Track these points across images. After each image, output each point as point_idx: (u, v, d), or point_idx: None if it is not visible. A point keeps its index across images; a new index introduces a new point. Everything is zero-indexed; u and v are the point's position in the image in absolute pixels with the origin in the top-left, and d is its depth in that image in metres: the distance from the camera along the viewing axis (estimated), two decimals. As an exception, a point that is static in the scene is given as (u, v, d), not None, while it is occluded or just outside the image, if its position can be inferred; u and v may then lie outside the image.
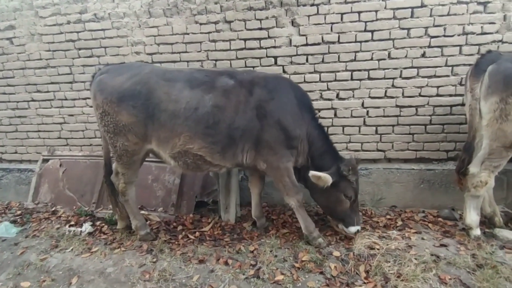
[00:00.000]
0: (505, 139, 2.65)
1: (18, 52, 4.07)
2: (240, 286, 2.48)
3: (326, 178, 2.70)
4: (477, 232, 2.91)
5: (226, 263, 2.74)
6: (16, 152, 4.45)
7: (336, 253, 2.79)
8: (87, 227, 3.42)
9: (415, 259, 2.61)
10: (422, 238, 3.00)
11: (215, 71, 3.03)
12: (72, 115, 4.18)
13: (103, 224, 3.54)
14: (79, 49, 3.96)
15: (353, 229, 2.92)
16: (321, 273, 2.57)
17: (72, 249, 3.03)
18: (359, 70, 3.49)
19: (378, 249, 2.77)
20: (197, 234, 3.24)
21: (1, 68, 4.15)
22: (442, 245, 2.86)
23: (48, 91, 4.15)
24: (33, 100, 4.22)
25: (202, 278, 2.57)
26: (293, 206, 2.95)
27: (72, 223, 3.60)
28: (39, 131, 4.31)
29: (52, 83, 4.12)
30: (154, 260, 2.82)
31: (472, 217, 2.90)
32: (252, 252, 2.89)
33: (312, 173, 2.70)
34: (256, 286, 2.47)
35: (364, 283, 2.44)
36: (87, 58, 3.97)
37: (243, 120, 2.74)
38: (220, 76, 2.82)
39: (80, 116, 4.16)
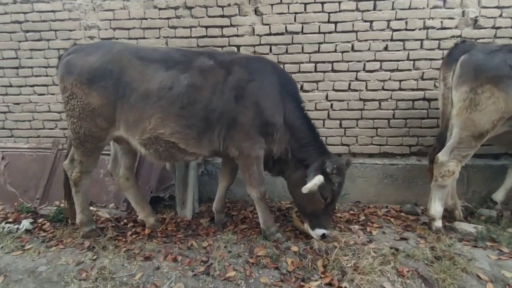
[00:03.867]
0: (474, 129, 2.64)
1: (-43, 33, 3.70)
2: (188, 283, 2.26)
3: (319, 180, 2.43)
4: (439, 224, 2.87)
5: (174, 260, 2.51)
6: (-48, 144, 4.01)
7: (294, 248, 2.64)
8: (25, 223, 3.08)
9: (374, 252, 2.51)
10: (383, 232, 2.92)
11: (194, 51, 2.86)
12: (17, 104, 3.83)
13: (45, 222, 3.21)
14: (27, 31, 3.65)
15: (319, 231, 2.64)
16: (277, 268, 2.41)
17: (2, 247, 2.69)
18: (323, 62, 3.43)
19: (337, 244, 2.65)
20: (148, 230, 2.99)
21: None
22: (402, 239, 2.79)
23: (-10, 77, 3.79)
24: (-27, 86, 3.84)
25: (146, 276, 2.34)
26: (254, 198, 2.76)
27: (10, 220, 3.24)
28: (-21, 120, 3.92)
29: (-5, 68, 3.77)
30: (94, 257, 2.54)
31: (436, 208, 2.85)
32: (205, 248, 2.67)
33: (304, 188, 2.41)
34: (205, 283, 2.27)
35: (321, 277, 2.30)
36: (35, 42, 3.66)
37: (220, 101, 2.53)
38: (199, 56, 2.63)
39: (27, 104, 3.82)
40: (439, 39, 3.27)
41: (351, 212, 3.37)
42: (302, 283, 2.25)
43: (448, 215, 3.11)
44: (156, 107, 2.45)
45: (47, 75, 3.72)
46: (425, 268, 2.37)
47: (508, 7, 3.17)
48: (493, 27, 3.22)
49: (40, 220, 3.25)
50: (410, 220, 3.16)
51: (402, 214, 3.30)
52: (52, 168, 3.68)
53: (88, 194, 3.05)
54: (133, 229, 3.04)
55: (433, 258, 2.44)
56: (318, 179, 2.47)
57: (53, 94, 3.76)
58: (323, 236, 2.65)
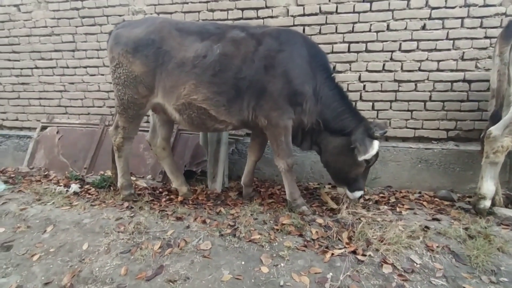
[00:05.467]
0: None
1: (25, 19, 4.20)
2: (215, 242, 2.38)
3: (377, 145, 2.53)
4: (488, 203, 2.70)
5: (203, 222, 2.65)
6: (17, 119, 4.55)
7: (320, 220, 2.65)
8: (73, 187, 3.41)
9: (403, 228, 2.45)
10: (414, 213, 2.83)
11: (228, 24, 3.01)
12: (72, 83, 4.25)
13: (91, 187, 3.52)
14: (83, 17, 4.05)
15: (358, 193, 2.78)
16: (301, 235, 2.46)
17: (53, 203, 3.02)
18: (357, 42, 3.40)
19: (364, 219, 2.62)
20: (180, 198, 3.17)
21: (7, 35, 4.29)
22: (434, 219, 2.69)
23: (51, 59, 4.25)
24: (36, 68, 4.32)
25: (177, 233, 2.50)
26: (281, 169, 2.83)
27: (61, 184, 3.60)
28: (40, 98, 4.40)
29: (55, 50, 4.22)
30: (132, 215, 2.77)
31: (488, 186, 2.68)
32: (232, 214, 2.79)
33: (366, 155, 2.51)
34: (230, 243, 2.37)
35: (345, 247, 2.30)
36: (89, 27, 4.06)
37: (250, 69, 2.64)
38: (232, 29, 2.77)
39: (80, 84, 4.23)
40: (482, 17, 3.11)
41: (381, 195, 3.29)
42: (326, 249, 2.27)
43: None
44: (190, 74, 2.62)
45: (98, 57, 4.10)
46: (457, 245, 2.28)
47: None
48: (544, 4, 3.00)
49: (87, 186, 3.58)
50: (444, 205, 3.02)
51: (436, 199, 3.17)
52: (99, 142, 4.03)
53: (129, 165, 3.31)
54: (167, 196, 3.24)
55: (466, 237, 2.34)
56: (377, 144, 2.54)
57: (102, 75, 4.12)
58: (361, 197, 2.83)
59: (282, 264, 2.15)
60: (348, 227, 2.54)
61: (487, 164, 2.68)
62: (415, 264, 2.11)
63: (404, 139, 3.48)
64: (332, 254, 2.20)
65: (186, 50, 2.65)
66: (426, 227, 2.48)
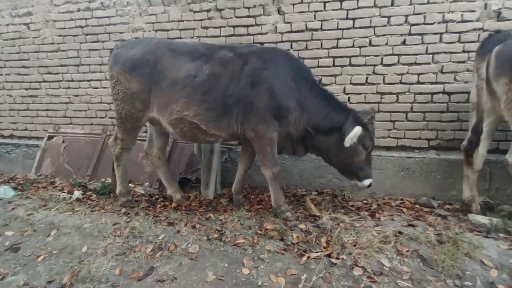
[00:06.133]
0: None
1: (34, 37, 4.52)
2: (202, 245, 2.59)
3: (358, 130, 2.73)
4: None
5: (193, 227, 2.86)
6: (26, 129, 4.85)
7: (302, 226, 2.83)
8: (76, 193, 3.66)
9: (377, 233, 2.61)
10: (392, 219, 2.99)
11: (218, 45, 3.25)
12: (77, 96, 4.53)
13: (92, 194, 3.77)
14: (87, 34, 4.34)
15: (367, 181, 2.97)
16: (282, 240, 2.64)
17: (57, 208, 3.26)
18: (341, 57, 3.60)
19: (343, 224, 2.80)
20: (174, 204, 3.39)
21: (18, 51, 4.61)
22: (410, 225, 2.84)
23: (57, 73, 4.55)
24: (44, 81, 4.62)
25: (168, 237, 2.71)
26: (267, 177, 3.03)
27: (65, 191, 3.85)
28: (47, 110, 4.69)
29: (61, 65, 4.51)
30: (128, 220, 3.00)
31: None
32: (220, 220, 2.99)
33: (347, 141, 2.75)
34: (216, 246, 2.58)
35: (322, 250, 2.48)
36: (93, 43, 4.34)
37: (237, 87, 2.85)
38: (221, 49, 3.00)
39: (84, 96, 4.51)
40: (460, 32, 3.27)
41: (365, 201, 3.46)
42: (303, 253, 2.45)
43: (465, 206, 3.08)
44: (182, 92, 2.85)
45: (101, 72, 4.37)
46: (426, 250, 2.43)
47: (536, -2, 3.09)
48: (518, 19, 3.16)
49: (89, 192, 3.83)
50: (423, 212, 3.18)
51: (416, 206, 3.32)
52: (101, 151, 4.29)
53: (128, 173, 3.55)
54: (162, 203, 3.46)
55: (436, 242, 2.49)
56: (358, 129, 2.75)
57: (105, 87, 4.39)
58: (370, 185, 3.01)
59: (262, 266, 2.34)
60: (327, 232, 2.71)
61: None
62: (384, 267, 2.28)
63: (388, 148, 3.65)
64: (308, 257, 2.39)
65: (178, 70, 2.88)
66: (399, 232, 2.64)
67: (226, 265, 2.38)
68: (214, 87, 2.84)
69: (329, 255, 2.40)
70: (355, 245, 2.44)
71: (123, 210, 3.21)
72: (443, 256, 2.29)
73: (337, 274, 2.22)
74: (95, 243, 2.69)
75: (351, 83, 3.62)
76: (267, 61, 2.90)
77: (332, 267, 2.28)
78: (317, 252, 2.45)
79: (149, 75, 2.92)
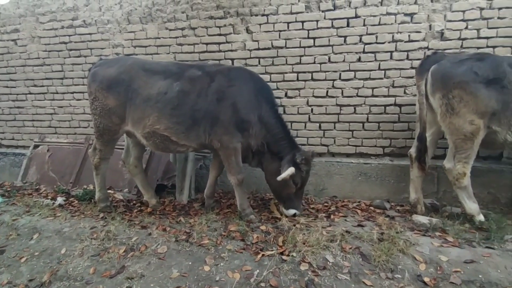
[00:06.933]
0: (458, 132, 2.90)
1: (21, 52, 4.78)
2: (170, 246, 2.87)
3: (291, 171, 3.05)
4: (480, 217, 3.01)
5: (164, 230, 3.14)
6: (13, 139, 5.09)
7: (263, 227, 3.13)
8: (59, 200, 3.91)
9: (327, 232, 2.93)
10: (345, 220, 3.31)
11: (188, 64, 3.54)
12: (61, 107, 4.80)
13: (75, 200, 4.02)
14: (70, 50, 4.62)
15: (291, 211, 3.27)
16: (242, 240, 2.93)
17: (40, 214, 3.52)
18: (304, 72, 3.93)
19: (299, 225, 3.10)
20: (150, 209, 3.67)
21: (6, 65, 4.87)
22: (359, 225, 3.16)
23: (43, 86, 4.81)
24: (30, 93, 4.89)
25: (140, 239, 2.98)
26: (233, 184, 3.33)
27: (49, 197, 4.11)
28: (33, 120, 4.95)
29: (46, 78, 4.78)
30: (105, 224, 3.26)
31: (470, 206, 3.04)
32: (190, 223, 3.28)
33: (279, 177, 3.06)
34: (183, 247, 2.86)
35: (277, 249, 2.78)
36: (76, 58, 4.62)
37: (204, 102, 3.16)
38: (190, 68, 3.32)
39: (67, 108, 4.77)
40: (408, 51, 3.63)
41: (325, 204, 3.78)
42: (259, 251, 2.75)
43: (411, 208, 3.41)
44: (154, 108, 3.15)
45: (83, 84, 4.63)
46: (368, 247, 2.74)
47: (473, 19, 3.46)
48: (459, 39, 3.52)
49: (71, 198, 4.08)
50: (376, 213, 3.50)
51: (370, 208, 3.64)
52: (84, 159, 4.55)
53: (108, 180, 3.82)
54: (139, 208, 3.74)
55: (377, 240, 2.81)
56: (291, 170, 3.07)
57: (87, 99, 4.60)
58: (295, 215, 3.26)
59: (221, 264, 2.63)
60: (284, 232, 3.02)
61: (457, 190, 3.04)
62: (328, 263, 2.58)
63: (348, 155, 3.98)
64: (263, 255, 2.68)
65: (151, 87, 3.18)
66: (347, 231, 2.96)
67: (190, 263, 2.66)
68: (183, 102, 3.14)
69: (282, 253, 2.69)
70: (304, 243, 2.75)
71: (101, 215, 3.48)
72: (379, 252, 2.61)
73: (286, 269, 2.52)
74: (73, 245, 2.95)
75: (313, 96, 3.95)
76: (232, 79, 3.22)
77: (282, 263, 2.57)
78: (272, 251, 2.74)
79: (124, 93, 3.21)
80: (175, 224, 3.27)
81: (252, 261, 2.64)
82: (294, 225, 3.11)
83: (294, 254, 2.66)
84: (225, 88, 3.18)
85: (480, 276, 2.36)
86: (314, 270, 2.50)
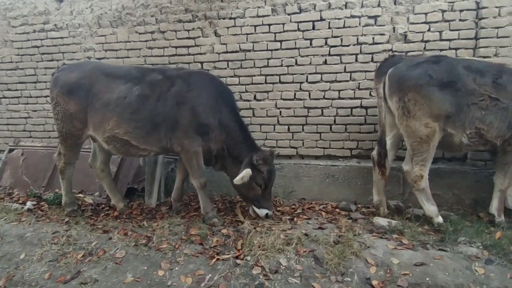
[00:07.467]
0: (414, 134, 2.91)
1: (-7, 56, 4.79)
2: (128, 251, 2.88)
3: (247, 173, 3.06)
4: (439, 219, 3.02)
5: (125, 234, 3.15)
6: (-12, 143, 5.10)
7: (224, 231, 3.14)
8: (28, 204, 3.92)
9: (285, 235, 2.94)
10: (308, 223, 3.32)
11: (150, 68, 3.55)
12: (35, 111, 4.81)
13: (45, 204, 4.04)
14: (43, 54, 4.63)
15: (263, 211, 3.27)
16: (201, 244, 2.94)
17: (5, 219, 3.52)
18: (272, 75, 3.95)
19: (259, 228, 3.12)
20: (117, 213, 3.68)
21: (-21, 69, 4.87)
22: (320, 228, 3.17)
23: (16, 90, 4.82)
24: (4, 97, 4.89)
25: (100, 244, 3.00)
26: (196, 187, 3.34)
27: (20, 201, 4.12)
28: (8, 124, 4.96)
29: (20, 82, 4.79)
30: (67, 229, 3.27)
31: (429, 208, 3.04)
32: (152, 227, 3.29)
33: (235, 180, 3.07)
34: (141, 251, 2.87)
35: (235, 253, 2.79)
36: (48, 62, 4.63)
37: (164, 106, 3.17)
38: (152, 72, 3.33)
39: (41, 111, 4.78)
40: (372, 53, 3.65)
41: (292, 206, 3.79)
42: (216, 256, 2.76)
43: (375, 210, 3.43)
44: (113, 112, 3.16)
45: (56, 88, 4.64)
46: (322, 251, 2.75)
47: (436, 22, 3.47)
48: (422, 41, 3.53)
49: (42, 202, 4.10)
50: (340, 215, 3.51)
51: (336, 210, 3.66)
52: (57, 163, 4.55)
53: (79, 183, 3.84)
54: (106, 211, 3.75)
55: (332, 243, 2.82)
56: (246, 172, 3.07)
57: (61, 103, 4.66)
58: (267, 216, 3.27)
59: (176, 268, 2.64)
60: (245, 236, 3.03)
61: (416, 192, 3.04)
62: (281, 266, 2.59)
63: (317, 157, 3.99)
64: (218, 259, 2.69)
65: (111, 92, 3.19)
66: (305, 234, 2.97)
67: (146, 268, 2.67)
68: (143, 106, 3.15)
69: (237, 257, 2.71)
70: (260, 247, 2.76)
71: (66, 219, 3.49)
72: (332, 256, 2.62)
73: (238, 273, 2.53)
74: (33, 250, 2.96)
75: (281, 99, 3.96)
76: (192, 84, 3.23)
77: (236, 267, 2.59)
78: (228, 254, 2.76)
79: (85, 97, 3.22)
80: (138, 228, 3.28)
81: (206, 265, 2.66)
82: (255, 228, 3.13)
83: (249, 258, 2.67)
84: (184, 93, 3.20)
85: (427, 279, 2.38)
86: (266, 274, 2.51)
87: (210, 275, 2.54)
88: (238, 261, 2.65)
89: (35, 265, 2.78)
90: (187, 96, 3.19)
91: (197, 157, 3.25)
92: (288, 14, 3.78)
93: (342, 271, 2.52)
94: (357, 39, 3.66)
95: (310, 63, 3.81)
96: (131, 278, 2.56)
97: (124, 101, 3.15)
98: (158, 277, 2.56)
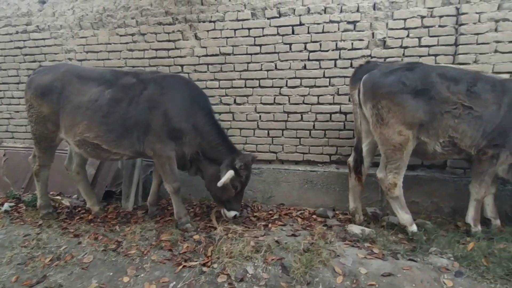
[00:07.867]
0: (388, 142, 2.87)
1: (-24, 57, 4.77)
2: (96, 256, 2.86)
3: (230, 175, 3.06)
4: (413, 228, 2.97)
5: (96, 238, 3.13)
6: (-29, 143, 5.08)
7: (196, 237, 3.12)
8: (5, 206, 3.90)
9: (255, 242, 2.91)
10: (282, 229, 3.28)
11: (124, 71, 3.52)
12: (17, 112, 4.79)
13: (23, 206, 4.02)
14: (25, 55, 4.61)
15: (232, 213, 3.29)
16: (170, 250, 2.91)
17: (-22, 221, 3.51)
18: (251, 79, 3.91)
19: (231, 235, 3.08)
20: (91, 216, 3.65)
21: (-38, 70, 4.85)
22: (293, 235, 3.13)
23: (-1, 91, 4.81)
24: (-13, 98, 4.88)
25: (69, 248, 2.98)
26: (169, 192, 3.31)
27: (-1, 203, 4.10)
28: (-10, 125, 4.94)
29: (3, 83, 4.78)
30: (39, 232, 3.25)
31: (403, 216, 3.00)
32: (124, 231, 3.26)
33: (219, 183, 3.04)
34: (109, 256, 2.85)
35: (204, 260, 2.76)
36: (30, 63, 4.61)
37: (136, 110, 3.15)
38: (125, 76, 3.30)
39: (24, 112, 4.71)
40: (351, 59, 3.61)
41: (270, 212, 3.75)
42: (183, 263, 2.73)
43: (351, 217, 3.39)
44: (84, 115, 3.13)
45: (39, 89, 4.62)
46: (291, 258, 2.71)
47: (415, 28, 3.43)
48: (400, 47, 3.49)
49: (21, 204, 4.08)
50: (316, 222, 3.47)
51: (313, 216, 3.62)
52: (37, 164, 4.53)
53: (58, 185, 3.81)
54: (82, 215, 3.73)
55: (302, 251, 2.78)
56: (230, 174, 3.07)
57: (43, 104, 4.64)
58: (235, 217, 3.29)
59: (142, 275, 2.62)
60: (216, 242, 3.00)
61: (390, 200, 3.01)
62: (247, 274, 2.55)
63: (296, 162, 3.96)
64: (184, 266, 2.66)
65: (83, 95, 3.17)
66: (276, 241, 2.94)
67: (111, 274, 2.65)
68: (114, 110, 3.13)
69: (204, 264, 2.68)
70: (227, 254, 2.73)
71: (40, 222, 3.46)
72: (300, 264, 2.58)
73: (203, 281, 2.50)
74: (3, 253, 2.94)
75: (261, 103, 3.93)
76: (165, 87, 3.20)
77: (201, 275, 2.56)
78: (196, 261, 2.73)
79: (57, 100, 3.20)
80: (109, 233, 3.26)
81: (172, 272, 2.63)
82: (227, 234, 3.09)
83: (216, 265, 2.64)
84: (157, 96, 3.17)
85: (393, 290, 2.34)
86: (231, 282, 2.48)
87: (174, 282, 2.51)
88: (204, 269, 2.62)
89: (3, 267, 2.76)
90: (159, 99, 3.16)
91: (170, 161, 3.22)
92: (268, 18, 3.75)
93: (308, 280, 2.49)
94: (336, 44, 3.62)
95: (290, 68, 3.78)
96: (95, 284, 2.54)
97: (95, 104, 3.13)
98: (122, 284, 2.54)
